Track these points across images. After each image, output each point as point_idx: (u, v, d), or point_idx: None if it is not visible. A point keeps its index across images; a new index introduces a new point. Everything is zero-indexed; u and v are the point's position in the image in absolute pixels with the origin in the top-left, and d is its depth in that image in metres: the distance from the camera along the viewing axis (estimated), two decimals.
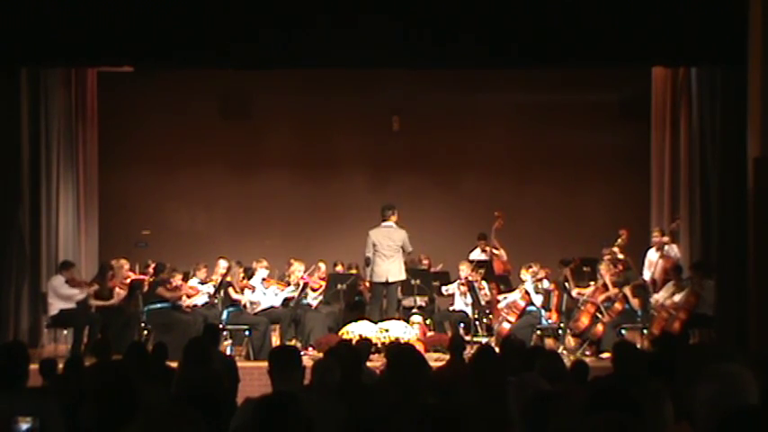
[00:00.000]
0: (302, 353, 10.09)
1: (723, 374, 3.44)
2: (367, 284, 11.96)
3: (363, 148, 15.03)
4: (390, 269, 11.10)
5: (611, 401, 3.35)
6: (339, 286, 11.57)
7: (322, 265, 12.42)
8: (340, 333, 10.42)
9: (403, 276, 11.31)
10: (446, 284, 12.21)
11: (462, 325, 11.67)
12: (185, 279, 11.50)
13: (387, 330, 10.36)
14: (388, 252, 11.07)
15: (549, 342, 11.22)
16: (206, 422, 2.91)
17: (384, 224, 11.23)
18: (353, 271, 12.60)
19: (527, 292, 11.34)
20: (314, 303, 11.71)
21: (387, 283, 11.17)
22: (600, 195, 14.70)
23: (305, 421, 3.54)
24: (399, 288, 11.97)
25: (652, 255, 12.03)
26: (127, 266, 11.63)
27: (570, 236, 13.95)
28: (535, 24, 9.36)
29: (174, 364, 6.64)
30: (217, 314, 11.13)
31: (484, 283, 11.99)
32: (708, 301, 10.26)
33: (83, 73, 12.95)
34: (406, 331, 10.46)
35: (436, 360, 9.12)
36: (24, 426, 3.91)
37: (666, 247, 11.82)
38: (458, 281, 11.97)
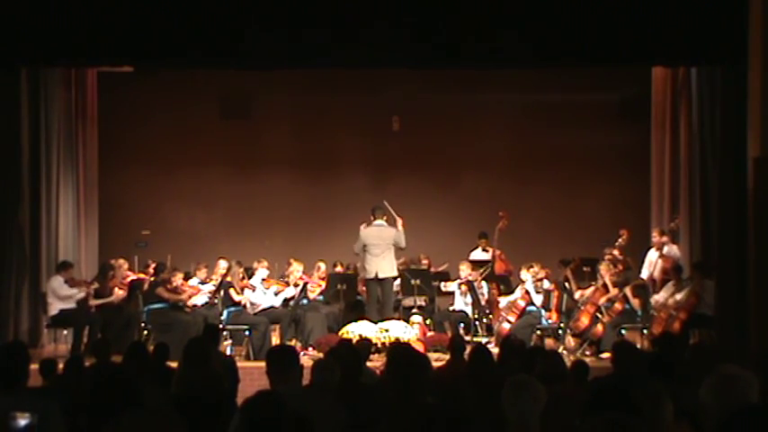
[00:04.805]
0: (302, 353, 10.14)
1: (724, 374, 3.44)
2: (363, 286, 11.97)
3: (363, 148, 15.03)
4: (380, 265, 11.22)
5: (611, 401, 3.36)
6: (339, 286, 11.58)
7: (322, 265, 12.43)
8: (340, 333, 10.41)
9: (395, 273, 11.43)
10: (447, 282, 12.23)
11: (462, 325, 11.67)
12: (186, 279, 11.50)
13: (387, 330, 10.36)
14: (377, 250, 11.21)
15: (549, 342, 11.21)
16: (206, 423, 2.91)
17: (375, 223, 11.37)
18: (353, 271, 12.60)
19: (527, 292, 11.34)
20: (314, 296, 11.74)
21: (378, 280, 11.23)
22: (600, 195, 14.69)
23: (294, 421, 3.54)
24: (399, 288, 11.98)
25: (652, 255, 12.03)
26: (126, 266, 11.64)
27: (570, 236, 13.95)
28: (535, 25, 9.34)
29: (174, 364, 6.63)
30: (217, 314, 11.12)
31: (484, 283, 11.98)
32: (708, 301, 10.25)
33: (83, 73, 12.95)
34: (406, 331, 10.46)
35: (436, 360, 9.10)
36: (22, 422, 3.89)
37: (666, 248, 11.81)
38: (458, 280, 11.97)
